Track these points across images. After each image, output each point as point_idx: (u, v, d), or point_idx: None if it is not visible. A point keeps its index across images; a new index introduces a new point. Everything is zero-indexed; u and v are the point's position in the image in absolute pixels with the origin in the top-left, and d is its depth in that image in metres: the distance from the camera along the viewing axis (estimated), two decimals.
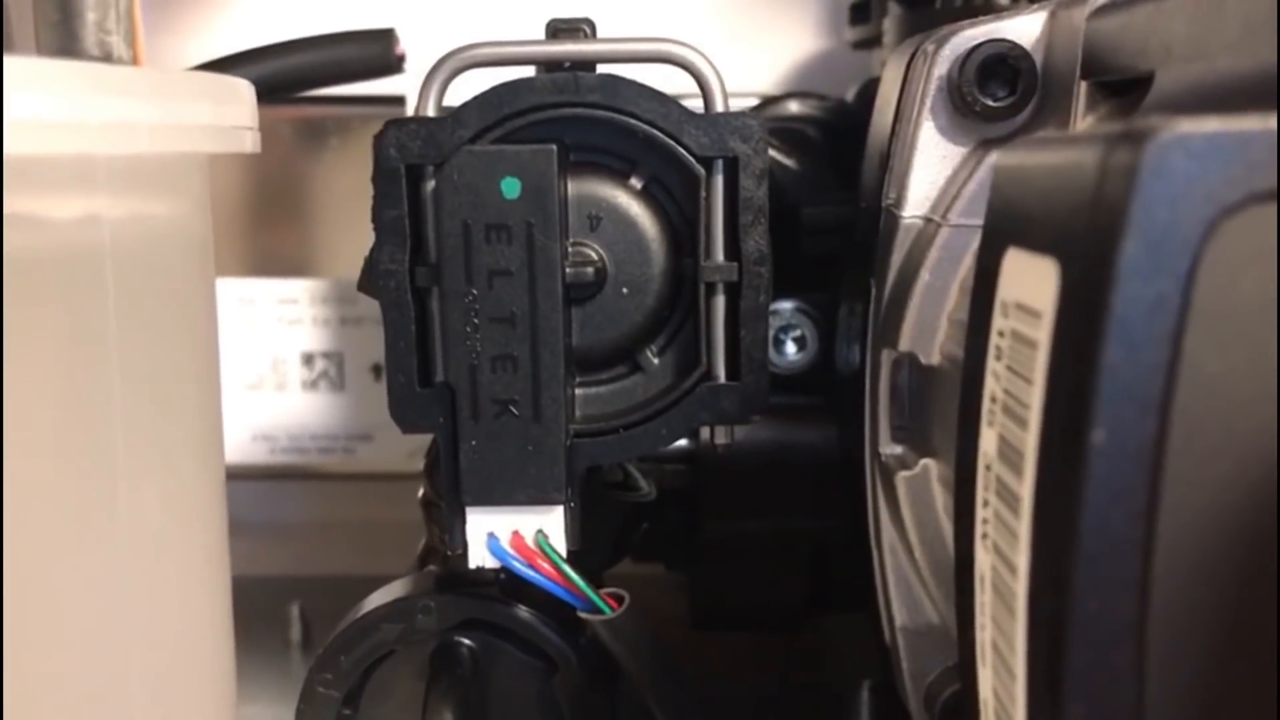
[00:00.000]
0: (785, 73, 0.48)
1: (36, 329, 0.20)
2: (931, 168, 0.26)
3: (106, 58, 0.22)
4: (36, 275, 0.20)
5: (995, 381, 0.18)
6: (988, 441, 0.19)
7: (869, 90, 0.41)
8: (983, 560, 0.19)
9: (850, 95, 0.43)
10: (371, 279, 0.25)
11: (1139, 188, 0.14)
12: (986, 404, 0.19)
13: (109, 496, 0.22)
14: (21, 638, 0.21)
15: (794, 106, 0.42)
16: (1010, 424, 0.17)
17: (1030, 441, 0.16)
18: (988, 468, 0.18)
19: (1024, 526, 0.17)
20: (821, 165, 0.37)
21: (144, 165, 0.22)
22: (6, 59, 0.17)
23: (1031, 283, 0.17)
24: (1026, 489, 0.16)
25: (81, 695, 0.22)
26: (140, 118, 0.20)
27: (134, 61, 0.23)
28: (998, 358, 0.18)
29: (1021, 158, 0.19)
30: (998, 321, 0.18)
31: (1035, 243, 0.17)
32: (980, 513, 0.19)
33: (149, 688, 0.24)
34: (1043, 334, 0.16)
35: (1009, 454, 0.17)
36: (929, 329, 0.26)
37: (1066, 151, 0.17)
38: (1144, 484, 0.15)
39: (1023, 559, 0.17)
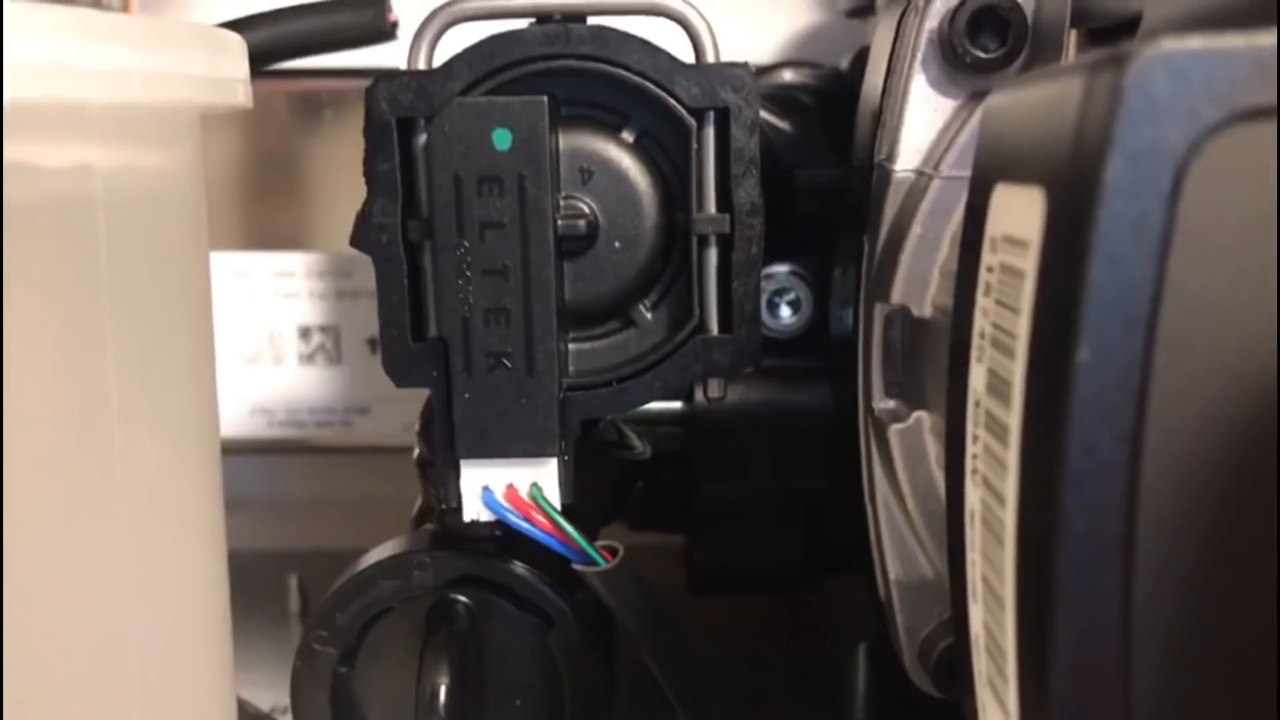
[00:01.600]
0: (780, 42, 0.48)
1: (28, 278, 0.20)
2: (923, 121, 0.27)
3: (96, 4, 0.22)
4: (28, 223, 0.20)
5: (984, 317, 0.18)
6: (977, 378, 0.19)
7: (863, 57, 0.41)
8: (972, 496, 0.19)
9: (845, 64, 0.43)
10: (364, 233, 0.25)
11: (1122, 106, 0.14)
12: (976, 340, 0.19)
13: (104, 449, 0.22)
14: (17, 607, 0.21)
15: (788, 75, 0.42)
16: (999, 356, 0.17)
17: (1018, 370, 0.16)
18: (977, 404, 0.19)
19: (1012, 455, 0.17)
20: (815, 129, 0.37)
21: (136, 115, 0.22)
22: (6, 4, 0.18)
23: (1019, 214, 0.17)
24: (1014, 418, 0.17)
25: (79, 662, 0.22)
26: (131, 65, 0.20)
27: (124, 10, 0.23)
28: (986, 293, 0.18)
29: (1009, 96, 0.19)
30: (986, 257, 0.18)
31: (1022, 174, 0.17)
32: (970, 449, 0.19)
33: (146, 655, 0.24)
34: (1029, 263, 0.16)
35: (998, 386, 0.17)
36: (921, 281, 0.26)
37: (1052, 83, 0.17)
38: (1130, 403, 0.15)
39: (1011, 488, 0.17)
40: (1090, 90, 0.15)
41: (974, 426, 0.19)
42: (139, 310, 0.23)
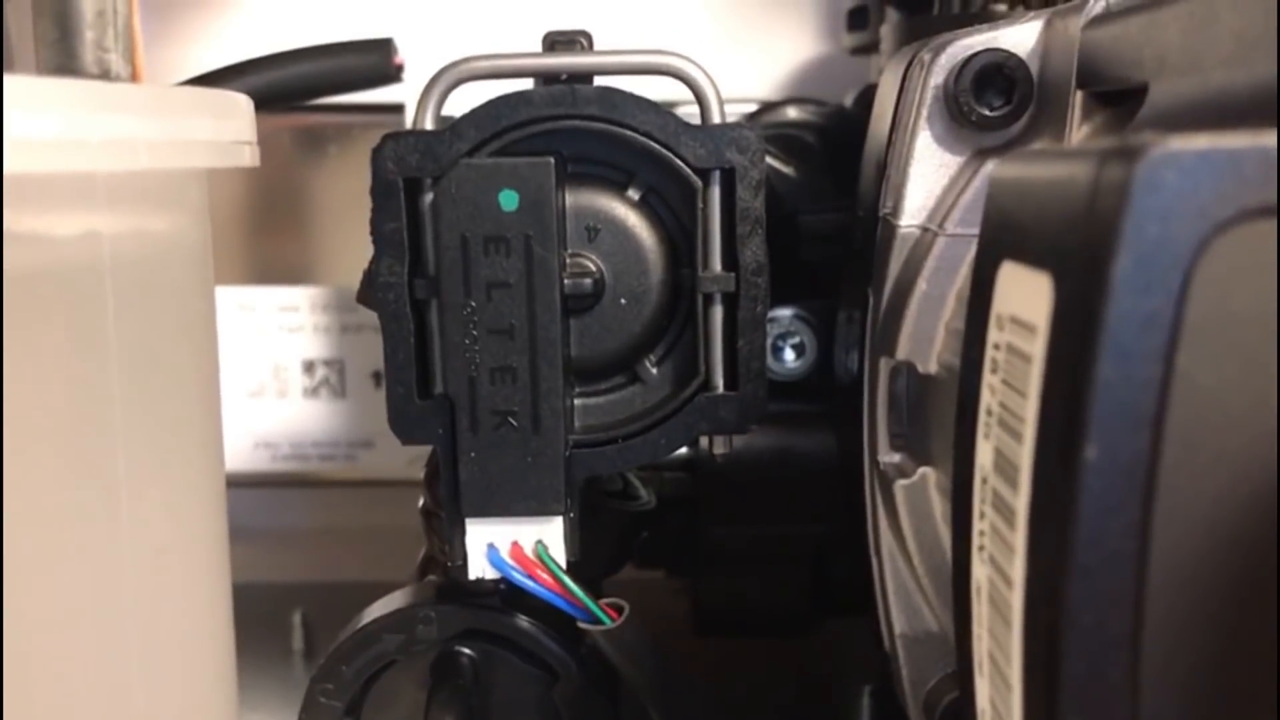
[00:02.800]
0: (783, 78, 0.48)
1: (37, 344, 0.20)
2: (928, 177, 0.27)
3: (105, 75, 0.22)
4: (37, 291, 0.20)
5: (991, 394, 0.18)
6: (984, 454, 0.19)
7: (867, 96, 0.41)
8: (979, 572, 0.19)
9: (848, 101, 0.43)
10: (370, 291, 0.25)
11: (1131, 203, 0.14)
12: (983, 417, 0.19)
13: (111, 509, 0.22)
14: (23, 647, 0.21)
15: (792, 112, 0.42)
16: (1006, 437, 0.17)
17: (1025, 455, 0.16)
18: (984, 480, 0.19)
19: (1019, 539, 0.17)
20: (819, 172, 0.37)
21: (143, 181, 0.22)
22: (10, 78, 0.18)
23: (1026, 297, 0.17)
24: (1022, 502, 0.17)
25: (83, 704, 0.22)
26: (139, 134, 0.20)
27: (133, 78, 0.23)
28: (993, 370, 0.18)
29: (1017, 170, 0.19)
30: (993, 334, 0.18)
31: (1030, 257, 0.17)
32: (977, 525, 0.19)
33: (151, 696, 0.24)
34: (1037, 348, 0.16)
35: (1005, 467, 0.17)
36: (926, 338, 0.26)
37: (1061, 166, 0.17)
38: (1137, 498, 0.15)
39: (1018, 571, 0.17)
40: (1100, 183, 0.15)
41: (981, 503, 0.19)
42: (146, 366, 0.23)
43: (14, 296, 0.20)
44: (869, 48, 0.43)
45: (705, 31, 0.47)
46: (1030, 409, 0.16)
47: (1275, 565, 0.14)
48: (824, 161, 0.38)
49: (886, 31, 0.39)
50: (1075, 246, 0.15)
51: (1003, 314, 0.18)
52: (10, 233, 0.19)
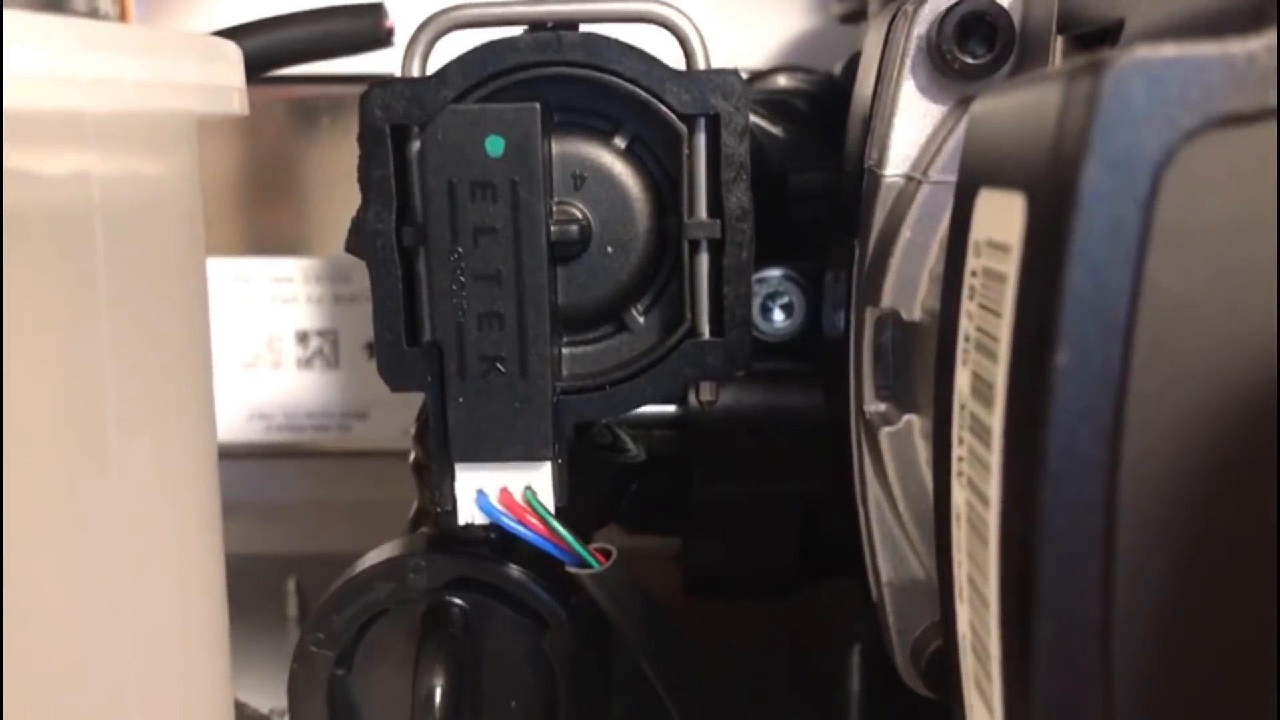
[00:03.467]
0: (773, 48, 0.48)
1: (26, 284, 0.20)
2: (912, 126, 0.27)
3: (93, 14, 0.22)
4: (26, 230, 0.20)
5: (969, 321, 0.19)
6: (961, 381, 0.19)
7: (855, 63, 0.41)
8: (958, 497, 0.19)
9: (838, 69, 0.43)
10: (359, 239, 0.25)
11: (1098, 113, 0.15)
12: (960, 344, 0.19)
13: (100, 454, 0.23)
14: (14, 612, 0.21)
15: (782, 80, 0.42)
16: (982, 359, 0.18)
17: (1000, 372, 0.17)
18: (962, 407, 0.19)
19: (995, 457, 0.17)
20: (809, 134, 0.37)
21: (132, 123, 0.22)
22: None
23: (1001, 219, 0.17)
24: (997, 419, 0.17)
25: (75, 666, 0.23)
26: (128, 74, 0.20)
27: (121, 19, 0.23)
28: (971, 297, 0.19)
29: (993, 103, 0.19)
30: (970, 262, 0.19)
31: (1004, 180, 0.17)
32: (955, 451, 0.19)
33: (143, 659, 0.24)
34: (1011, 267, 0.16)
35: (981, 389, 0.18)
36: (910, 285, 0.26)
37: (1033, 90, 0.17)
38: (1108, 404, 0.15)
39: (994, 488, 0.17)
40: (1068, 98, 0.15)
41: (959, 429, 0.19)
42: (136, 316, 0.23)
43: (6, 236, 0.20)
44: (857, 15, 0.43)
45: (695, 1, 0.47)
46: (1004, 327, 0.17)
47: (1245, 467, 0.15)
48: (813, 125, 0.38)
49: None
50: (1046, 161, 0.16)
51: (979, 240, 0.18)
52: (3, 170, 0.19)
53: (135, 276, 0.23)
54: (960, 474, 0.19)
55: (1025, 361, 0.16)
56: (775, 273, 0.34)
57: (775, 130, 0.35)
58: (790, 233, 0.34)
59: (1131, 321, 0.15)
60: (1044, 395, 0.15)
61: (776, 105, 0.38)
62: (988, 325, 0.17)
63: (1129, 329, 0.15)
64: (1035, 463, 0.15)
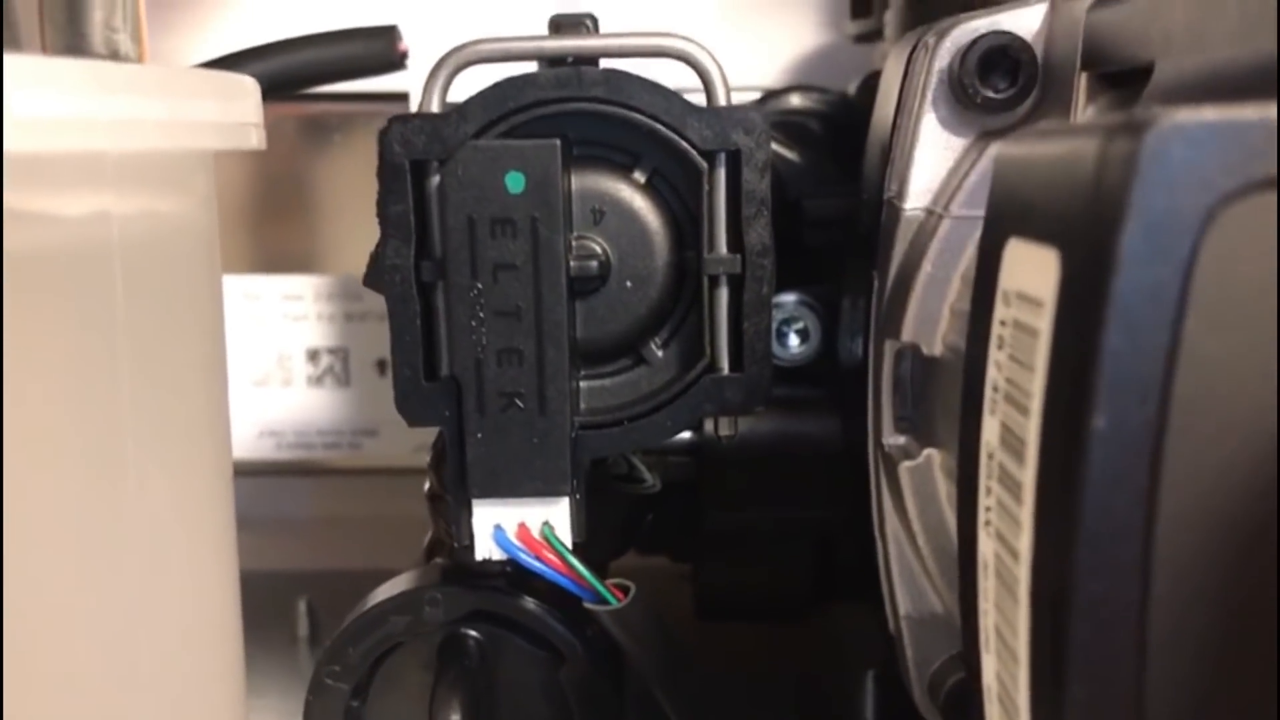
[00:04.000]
0: (786, 66, 0.48)
1: (46, 325, 0.20)
2: (933, 160, 0.27)
3: (114, 55, 0.22)
4: (46, 272, 0.20)
5: (997, 370, 0.18)
6: (990, 430, 0.19)
7: (870, 83, 0.41)
8: (986, 547, 0.19)
9: (852, 89, 0.43)
10: (377, 274, 0.25)
11: (1138, 176, 0.14)
12: (989, 392, 0.19)
13: (117, 494, 0.22)
14: (28, 633, 0.21)
15: (795, 100, 0.42)
16: (1012, 411, 0.17)
17: (1032, 428, 0.17)
18: (990, 455, 0.19)
19: (1026, 512, 0.17)
20: (823, 158, 0.37)
21: (151, 162, 0.22)
22: (18, 58, 0.18)
23: (1033, 272, 0.17)
24: (1029, 475, 0.17)
25: (89, 690, 0.23)
26: (148, 115, 0.20)
27: (139, 59, 0.23)
28: (1000, 346, 0.18)
29: (1022, 148, 0.19)
30: (999, 311, 0.19)
31: (1036, 232, 0.17)
32: (983, 500, 0.19)
33: (158, 682, 0.24)
34: (1044, 322, 0.16)
35: (1011, 441, 0.18)
36: (931, 320, 0.26)
37: (1067, 142, 0.17)
38: (1145, 469, 0.15)
39: (1025, 544, 0.17)
40: (1106, 157, 0.15)
41: (987, 478, 0.19)
42: (153, 349, 0.23)
43: (23, 276, 0.20)
44: (872, 35, 0.43)
45: (708, 19, 0.47)
46: (1037, 383, 0.16)
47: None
48: (828, 148, 0.38)
49: (890, 17, 0.39)
50: (1082, 220, 0.15)
51: (1009, 290, 0.18)
52: (21, 212, 0.19)
53: (153, 311, 0.23)
54: (988, 523, 0.19)
55: (1060, 422, 0.16)
56: (790, 298, 0.34)
57: (790, 155, 0.35)
58: (805, 258, 0.34)
59: (1169, 385, 0.15)
60: (1080, 458, 0.15)
61: (791, 128, 0.38)
62: (1018, 378, 0.17)
63: (1166, 393, 0.15)
64: (1070, 525, 0.15)
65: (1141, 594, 0.15)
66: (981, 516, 0.19)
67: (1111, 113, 0.23)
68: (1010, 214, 0.19)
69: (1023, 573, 0.17)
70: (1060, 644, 0.15)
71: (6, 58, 0.18)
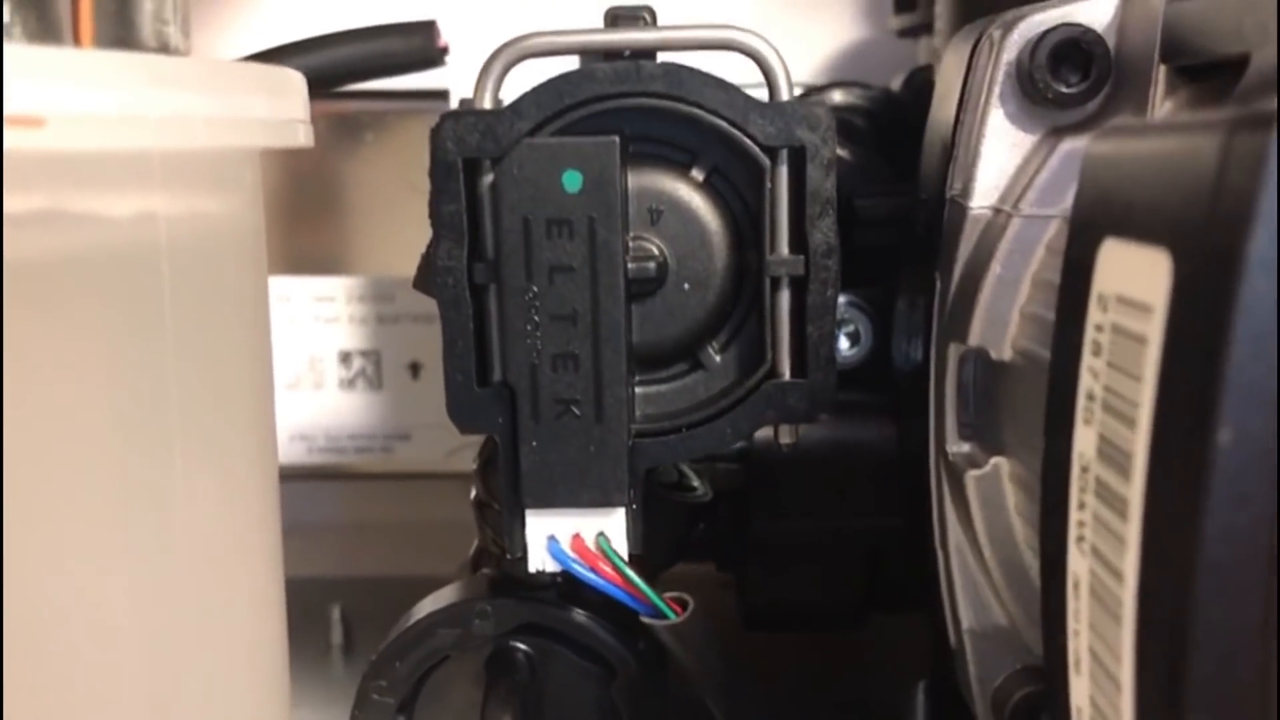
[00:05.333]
0: (826, 62, 0.47)
1: (94, 327, 0.20)
2: (1000, 156, 0.26)
3: (164, 49, 0.21)
4: (94, 273, 0.19)
5: (1093, 378, 0.18)
6: (1084, 441, 0.18)
7: (916, 79, 0.40)
8: (1078, 564, 0.18)
9: (896, 84, 0.42)
10: (429, 276, 0.24)
11: (1267, 173, 0.13)
12: (1082, 401, 0.18)
13: (165, 498, 0.22)
14: (77, 637, 0.20)
15: (838, 96, 0.41)
16: (1113, 422, 0.17)
17: (1139, 441, 0.16)
18: (1084, 468, 0.18)
19: (1132, 530, 0.16)
20: (871, 155, 0.36)
21: (199, 161, 0.21)
22: (67, 51, 0.17)
23: (1137, 275, 0.16)
24: (1135, 491, 0.16)
25: (136, 696, 0.22)
26: (198, 111, 0.19)
27: (187, 53, 0.22)
28: (1095, 353, 0.17)
29: (1117, 146, 0.18)
30: (1094, 315, 0.18)
31: (1140, 233, 0.16)
32: (1074, 514, 0.18)
33: (204, 688, 0.23)
34: (1153, 328, 0.15)
35: (1112, 454, 0.17)
36: (1000, 323, 0.25)
37: (1175, 137, 0.16)
38: (1271, 485, 0.14)
39: (1130, 565, 0.16)
40: (1229, 153, 0.14)
41: (1080, 492, 0.18)
42: (201, 352, 0.22)
43: (70, 279, 0.19)
44: (918, 30, 0.42)
45: (746, 14, 0.46)
46: (1145, 393, 0.16)
47: None
48: (875, 145, 0.37)
49: (941, 10, 0.38)
50: (1201, 220, 0.14)
51: (1106, 294, 0.17)
52: (66, 213, 0.19)
53: (201, 313, 0.22)
54: (1081, 539, 0.18)
55: (1176, 435, 0.15)
56: (841, 299, 0.33)
57: (841, 152, 0.34)
58: (855, 258, 0.33)
59: None
60: (1201, 473, 0.14)
61: (838, 125, 0.37)
62: (1120, 387, 0.16)
63: None
64: (1189, 545, 0.14)
65: (1266, 618, 0.14)
66: (1073, 532, 0.18)
67: (1199, 109, 0.22)
68: (1105, 214, 0.18)
69: (1127, 594, 0.16)
70: (1177, 672, 0.14)
71: (55, 51, 0.17)
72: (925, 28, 0.41)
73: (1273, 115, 0.14)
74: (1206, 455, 0.14)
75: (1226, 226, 0.14)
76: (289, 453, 0.46)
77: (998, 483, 0.25)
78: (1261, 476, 0.14)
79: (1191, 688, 0.14)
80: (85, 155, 0.18)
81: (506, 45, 0.24)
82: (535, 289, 0.23)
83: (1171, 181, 0.15)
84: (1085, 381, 0.18)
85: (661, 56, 0.24)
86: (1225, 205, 0.14)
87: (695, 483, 0.29)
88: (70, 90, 0.17)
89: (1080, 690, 0.18)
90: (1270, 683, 0.14)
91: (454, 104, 0.41)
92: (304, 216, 0.47)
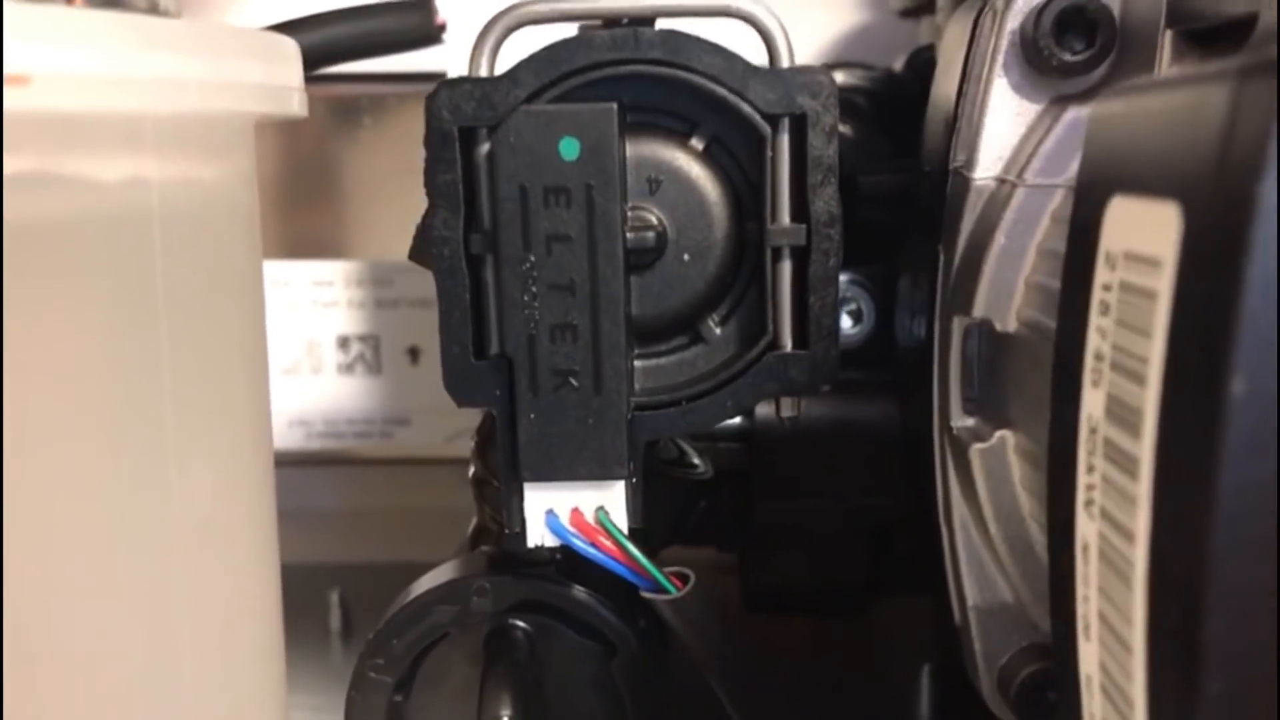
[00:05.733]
0: (828, 43, 0.47)
1: (84, 293, 0.19)
2: (1004, 126, 0.25)
3: (153, 9, 0.21)
4: (84, 238, 0.19)
5: (1101, 338, 0.17)
6: (1092, 402, 0.17)
7: (919, 58, 0.40)
8: (1087, 528, 0.18)
9: (898, 65, 0.42)
10: (424, 247, 0.24)
11: (1277, 121, 0.13)
12: (1090, 362, 0.18)
13: (160, 467, 0.21)
14: (72, 621, 0.20)
15: (840, 77, 0.40)
16: (1123, 380, 0.16)
17: (1149, 398, 0.15)
18: (1093, 430, 0.17)
19: (1143, 489, 0.15)
20: (875, 133, 0.35)
21: (191, 126, 0.21)
22: (55, 10, 0.17)
23: (1145, 229, 0.16)
24: (1146, 449, 0.15)
25: (133, 680, 0.22)
26: (190, 74, 0.19)
27: (178, 15, 0.22)
28: (1103, 312, 0.17)
29: (1122, 104, 0.18)
30: (1102, 274, 0.17)
31: (1149, 187, 0.16)
32: (1083, 478, 0.18)
33: (199, 672, 0.23)
34: (1163, 283, 0.15)
35: (1121, 413, 0.16)
36: (1005, 294, 0.25)
37: (1182, 90, 0.16)
38: None
39: (1142, 524, 0.16)
40: (1239, 101, 0.14)
41: (1089, 455, 0.18)
42: (194, 325, 0.22)
43: (60, 243, 0.19)
44: (920, 9, 0.42)
45: None
46: (1155, 348, 0.15)
47: None
48: (876, 123, 0.37)
49: None
50: (1211, 172, 0.14)
51: (1114, 251, 0.17)
52: (56, 175, 0.18)
53: (194, 284, 0.22)
54: (1090, 502, 0.18)
55: (1188, 389, 0.14)
56: (842, 277, 0.33)
57: (843, 129, 0.34)
58: (857, 236, 0.33)
59: None
60: (1217, 427, 0.14)
61: (840, 105, 0.37)
62: (1129, 344, 0.16)
63: None
64: (1204, 501, 0.14)
65: None
66: (1081, 496, 0.18)
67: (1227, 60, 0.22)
68: (1113, 171, 0.17)
69: (1138, 555, 0.16)
70: (1191, 633, 0.14)
71: (41, 8, 0.17)
72: (927, 7, 0.40)
73: None
74: (1219, 408, 0.14)
75: (1237, 174, 0.14)
76: (288, 438, 0.46)
77: (1003, 456, 0.25)
78: (1276, 428, 0.14)
79: (1205, 648, 0.14)
80: (74, 116, 0.18)
81: (503, 13, 0.24)
82: (533, 259, 0.23)
83: (1180, 133, 0.15)
84: (1093, 342, 0.17)
85: (661, 24, 0.24)
86: (1235, 153, 0.14)
87: (696, 459, 0.29)
88: (57, 49, 0.17)
89: (1089, 657, 0.18)
90: None
91: None
92: (302, 200, 0.47)
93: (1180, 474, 0.15)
